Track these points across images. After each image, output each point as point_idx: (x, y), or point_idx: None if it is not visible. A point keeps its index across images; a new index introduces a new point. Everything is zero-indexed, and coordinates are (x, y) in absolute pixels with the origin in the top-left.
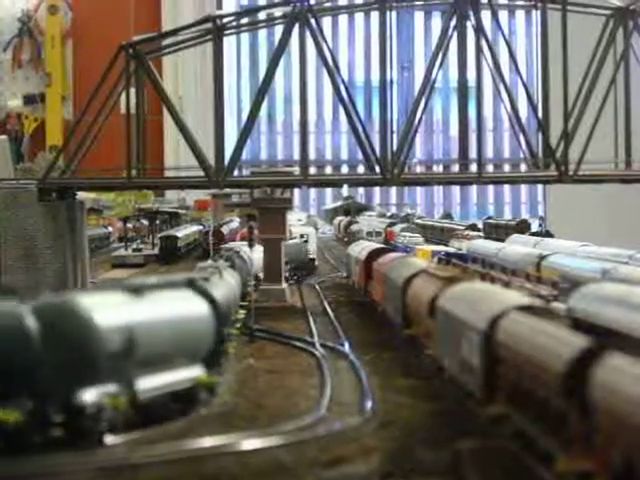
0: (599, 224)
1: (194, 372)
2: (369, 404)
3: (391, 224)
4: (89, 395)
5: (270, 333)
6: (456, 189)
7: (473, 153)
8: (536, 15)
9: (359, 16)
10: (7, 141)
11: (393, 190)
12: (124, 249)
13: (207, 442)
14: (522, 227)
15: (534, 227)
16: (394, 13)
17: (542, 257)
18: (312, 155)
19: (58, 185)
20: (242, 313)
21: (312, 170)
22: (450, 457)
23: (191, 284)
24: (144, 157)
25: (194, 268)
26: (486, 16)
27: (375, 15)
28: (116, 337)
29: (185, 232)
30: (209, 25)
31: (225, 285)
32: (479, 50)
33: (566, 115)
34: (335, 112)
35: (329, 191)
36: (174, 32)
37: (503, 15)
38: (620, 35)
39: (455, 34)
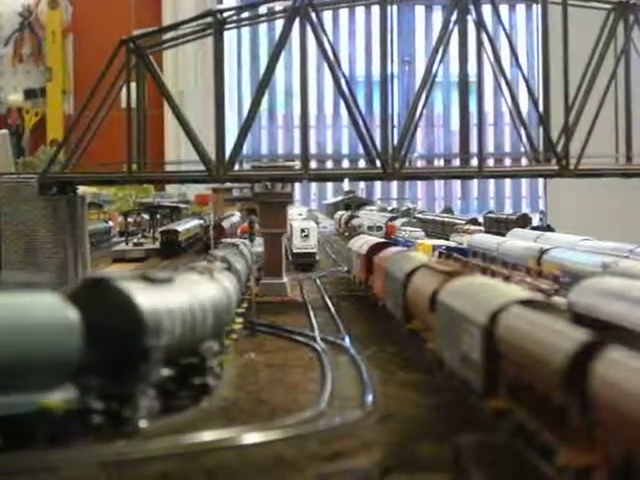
0: (600, 218)
1: (32, 397)
2: (370, 398)
3: (392, 218)
4: None
5: (271, 327)
6: (457, 183)
7: (474, 147)
8: (537, 9)
9: (360, 10)
10: (8, 135)
11: (394, 184)
12: (125, 243)
13: (208, 436)
14: (523, 221)
15: (535, 221)
16: (395, 7)
17: (543, 251)
18: (313, 149)
19: (59, 179)
20: (239, 322)
21: (313, 164)
22: (451, 451)
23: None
24: (145, 151)
25: (185, 264)
26: (487, 10)
27: (376, 9)
28: None
29: (186, 226)
30: (210, 19)
31: (203, 289)
32: (480, 44)
33: (567, 109)
34: (336, 106)
35: (330, 185)
36: (175, 26)
37: (504, 9)
38: (621, 29)
39: (456, 28)
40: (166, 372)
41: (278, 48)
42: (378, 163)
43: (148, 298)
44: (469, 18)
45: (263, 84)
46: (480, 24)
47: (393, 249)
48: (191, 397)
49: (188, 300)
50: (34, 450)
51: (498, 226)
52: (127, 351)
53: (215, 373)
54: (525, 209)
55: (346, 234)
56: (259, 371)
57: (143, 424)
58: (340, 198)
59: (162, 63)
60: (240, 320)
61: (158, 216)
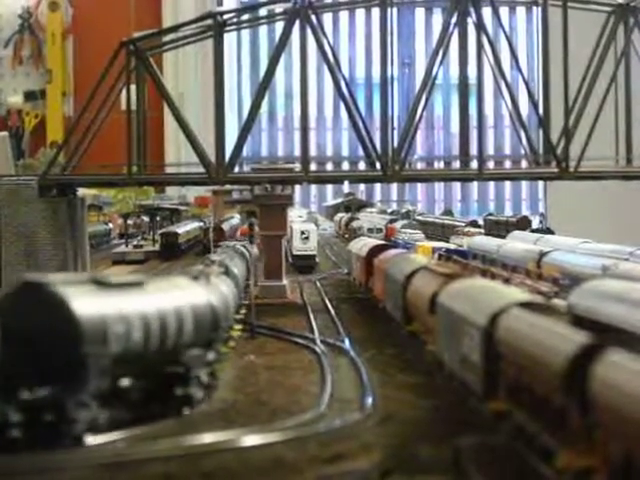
0: (600, 221)
1: None
2: (369, 400)
3: (392, 220)
4: None
5: (271, 330)
6: (457, 185)
7: (474, 150)
8: (537, 11)
9: (360, 12)
10: (8, 137)
11: (394, 186)
12: (124, 245)
13: (207, 438)
14: (523, 224)
15: (535, 224)
16: (395, 9)
17: (543, 254)
18: (313, 152)
19: (59, 181)
20: (238, 329)
21: (313, 166)
22: (451, 453)
23: None
24: (145, 153)
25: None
26: (487, 13)
27: (376, 11)
28: None
29: (185, 228)
30: (210, 21)
31: (184, 294)
32: (480, 47)
33: (567, 112)
34: (336, 109)
35: (330, 187)
36: (175, 28)
37: (504, 12)
38: (621, 32)
39: (456, 31)
40: (126, 382)
41: (278, 50)
42: (378, 165)
43: (90, 302)
44: (469, 20)
45: (263, 86)
46: (480, 26)
47: (393, 251)
48: (172, 408)
49: (159, 305)
50: (32, 452)
51: (498, 228)
52: (60, 359)
53: (202, 383)
54: (525, 211)
55: (346, 236)
56: (259, 373)
57: (87, 438)
58: (340, 200)
59: (162, 65)
60: (239, 327)
61: (158, 218)
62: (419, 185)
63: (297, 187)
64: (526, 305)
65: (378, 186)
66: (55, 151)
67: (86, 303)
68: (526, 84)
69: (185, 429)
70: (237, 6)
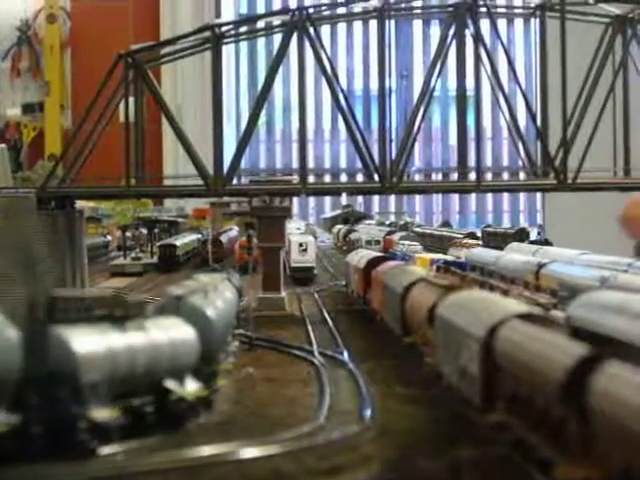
0: (598, 232)
1: None
2: (368, 412)
3: (390, 232)
4: None
5: (269, 342)
6: (455, 197)
7: (472, 161)
8: (535, 23)
9: (358, 25)
10: (6, 150)
11: (392, 198)
12: (123, 258)
13: (206, 451)
14: (521, 235)
15: (533, 235)
16: (393, 22)
17: (541, 265)
18: (311, 164)
19: (57, 194)
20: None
21: (311, 179)
22: (450, 465)
23: None
24: (143, 165)
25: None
26: (485, 24)
27: (374, 23)
28: None
29: (184, 241)
30: (208, 34)
31: None
32: (478, 59)
33: (565, 123)
34: (334, 121)
35: (328, 200)
36: (173, 41)
37: (502, 23)
38: (619, 43)
39: (454, 43)
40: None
41: (276, 62)
42: (376, 177)
43: None
44: (467, 32)
45: (261, 98)
46: (478, 38)
47: (391, 263)
48: None
49: None
50: (30, 464)
51: (496, 240)
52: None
53: None
54: (523, 223)
55: (344, 248)
56: (257, 385)
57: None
58: (338, 212)
59: (160, 77)
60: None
61: (156, 230)
62: (417, 197)
63: (295, 199)
64: (524, 317)
65: (376, 198)
66: (53, 163)
67: None
68: (524, 96)
69: (184, 441)
70: (235, 18)
